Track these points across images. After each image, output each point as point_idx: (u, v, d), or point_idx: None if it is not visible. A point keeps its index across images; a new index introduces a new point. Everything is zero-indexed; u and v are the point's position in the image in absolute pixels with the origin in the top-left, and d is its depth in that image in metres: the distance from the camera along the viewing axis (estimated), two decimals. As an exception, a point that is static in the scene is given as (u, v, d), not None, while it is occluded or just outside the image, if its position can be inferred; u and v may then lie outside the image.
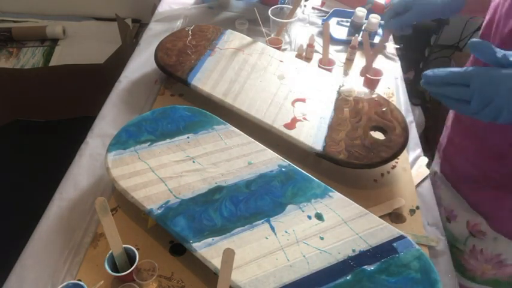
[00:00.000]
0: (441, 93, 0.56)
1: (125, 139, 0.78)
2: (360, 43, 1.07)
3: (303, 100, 0.88)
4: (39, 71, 1.76)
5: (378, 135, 0.82)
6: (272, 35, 1.11)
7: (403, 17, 0.80)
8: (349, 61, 1.10)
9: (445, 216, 0.88)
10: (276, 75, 0.94)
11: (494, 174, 0.76)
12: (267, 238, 0.65)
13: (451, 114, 0.88)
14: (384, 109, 0.86)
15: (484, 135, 0.75)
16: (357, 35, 1.08)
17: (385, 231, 0.66)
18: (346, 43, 1.16)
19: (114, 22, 1.85)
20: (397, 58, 1.14)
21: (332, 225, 0.67)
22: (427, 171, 0.85)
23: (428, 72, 0.57)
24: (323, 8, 1.31)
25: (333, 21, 1.25)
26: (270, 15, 1.09)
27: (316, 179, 0.73)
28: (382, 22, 1.19)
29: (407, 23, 0.81)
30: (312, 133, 0.81)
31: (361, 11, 1.14)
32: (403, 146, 0.80)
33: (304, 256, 0.63)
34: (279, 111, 0.86)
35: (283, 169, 0.74)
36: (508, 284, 0.87)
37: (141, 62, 1.08)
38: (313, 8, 1.31)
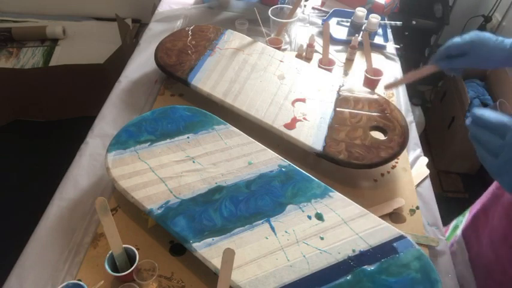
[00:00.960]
0: (477, 136, 0.51)
1: (124, 139, 0.78)
2: (360, 43, 1.07)
3: (303, 100, 0.88)
4: (39, 71, 1.76)
5: (378, 135, 0.82)
6: (272, 35, 1.11)
7: (455, 62, 0.72)
8: (349, 61, 1.10)
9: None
10: (276, 75, 0.94)
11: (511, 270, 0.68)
12: (267, 238, 0.65)
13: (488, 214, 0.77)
14: (384, 109, 0.86)
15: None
16: (356, 35, 1.08)
17: (385, 231, 0.66)
18: (346, 43, 1.16)
19: (114, 22, 1.85)
20: (397, 58, 1.14)
21: (332, 225, 0.67)
22: (427, 171, 0.85)
23: (478, 111, 0.51)
24: (323, 8, 1.31)
25: (333, 21, 1.25)
26: (270, 15, 1.09)
27: (316, 179, 0.73)
28: (383, 22, 1.19)
29: (460, 67, 0.73)
30: (312, 133, 0.81)
31: (361, 11, 1.14)
32: (403, 146, 0.80)
33: (304, 256, 0.63)
34: (279, 111, 0.86)
35: (283, 169, 0.74)
36: None
37: (141, 62, 1.08)
38: (313, 8, 1.31)
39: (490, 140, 0.50)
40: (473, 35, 0.70)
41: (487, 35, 0.69)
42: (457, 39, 0.72)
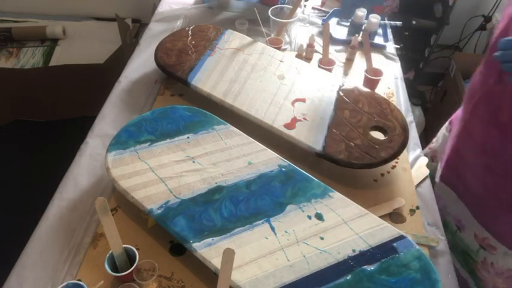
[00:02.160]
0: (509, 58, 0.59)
1: (124, 139, 0.78)
2: (360, 43, 1.07)
3: (303, 100, 0.88)
4: (39, 71, 1.76)
5: (378, 135, 0.82)
6: (272, 35, 1.11)
7: None
8: (349, 61, 1.10)
9: (455, 224, 0.87)
10: (276, 75, 0.94)
11: (504, 195, 0.74)
12: (267, 238, 0.65)
13: (457, 124, 0.85)
14: (383, 109, 0.86)
15: (495, 152, 0.72)
16: (356, 35, 1.08)
17: (385, 231, 0.66)
18: (346, 43, 1.16)
19: (114, 22, 1.85)
20: (397, 58, 1.14)
21: (332, 225, 0.67)
22: (427, 171, 0.85)
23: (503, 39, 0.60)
24: (323, 8, 1.31)
25: (333, 21, 1.25)
26: (270, 15, 1.09)
27: (316, 179, 0.73)
28: (383, 22, 1.19)
29: None
30: (312, 133, 0.81)
31: (361, 11, 1.14)
32: (403, 146, 0.80)
33: (304, 256, 0.63)
34: (279, 111, 0.86)
35: (283, 169, 0.74)
36: None
37: (141, 62, 1.08)
38: (313, 8, 1.31)
39: None
40: None
41: None
42: None
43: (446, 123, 0.97)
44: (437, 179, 0.91)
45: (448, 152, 0.87)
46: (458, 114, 0.89)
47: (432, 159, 0.99)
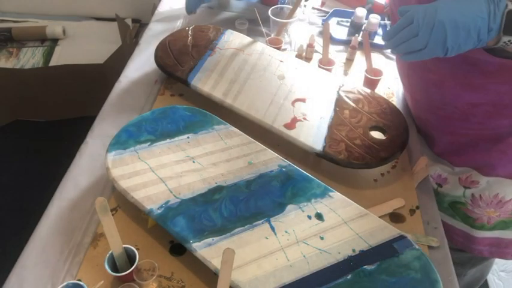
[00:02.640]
0: (397, 46, 0.62)
1: (124, 139, 0.78)
2: (360, 43, 1.07)
3: (303, 100, 0.88)
4: (39, 71, 1.76)
5: (378, 135, 0.82)
6: (272, 35, 1.11)
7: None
8: (349, 61, 1.10)
9: (435, 183, 0.92)
10: (276, 75, 0.94)
11: (467, 131, 0.82)
12: (267, 238, 0.65)
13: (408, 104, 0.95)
14: (383, 109, 0.86)
15: (444, 101, 0.81)
16: (356, 35, 1.08)
17: (385, 231, 0.66)
18: (346, 43, 1.16)
19: (114, 22, 1.85)
20: (397, 58, 1.14)
21: (332, 225, 0.67)
22: (427, 171, 0.85)
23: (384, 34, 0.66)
24: (323, 8, 1.31)
25: (333, 21, 1.25)
26: (270, 15, 1.09)
27: (316, 179, 0.73)
28: (383, 22, 1.19)
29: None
30: (312, 133, 0.81)
31: (361, 11, 1.14)
32: (403, 146, 0.80)
33: (304, 256, 0.63)
34: (279, 111, 0.86)
35: (283, 169, 0.74)
36: None
37: (141, 62, 1.08)
38: (313, 8, 1.30)
39: (406, 32, 0.60)
40: None
41: None
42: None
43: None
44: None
45: (415, 123, 0.95)
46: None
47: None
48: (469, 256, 0.97)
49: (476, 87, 0.75)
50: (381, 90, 1.00)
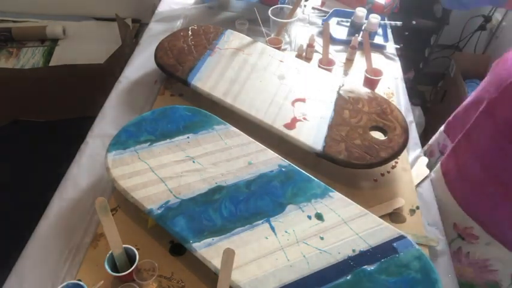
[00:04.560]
0: None
1: (124, 139, 0.78)
2: (360, 43, 1.07)
3: (303, 100, 0.88)
4: (39, 71, 1.76)
5: (378, 135, 0.82)
6: (272, 35, 1.11)
7: None
8: (349, 61, 1.10)
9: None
10: (276, 75, 0.94)
11: (509, 179, 0.74)
12: (267, 238, 0.65)
13: (478, 106, 0.82)
14: (384, 109, 0.86)
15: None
16: (356, 35, 1.08)
17: (385, 231, 0.66)
18: (346, 43, 1.16)
19: (114, 22, 1.85)
20: (397, 58, 1.14)
21: (332, 225, 0.67)
22: (427, 171, 0.85)
23: None
24: (323, 8, 1.31)
25: (333, 21, 1.25)
26: (270, 15, 1.09)
27: (316, 179, 0.73)
28: (383, 22, 1.19)
29: None
30: (312, 133, 0.81)
31: (361, 11, 1.14)
32: (403, 146, 0.80)
33: (304, 256, 0.63)
34: (279, 111, 0.86)
35: (283, 169, 0.74)
36: None
37: (141, 62, 1.08)
38: (313, 8, 1.31)
39: None
40: None
41: None
42: None
43: (442, 127, 0.98)
44: (433, 173, 0.91)
45: (458, 138, 0.86)
46: (456, 114, 0.90)
47: (430, 154, 1.01)
48: None
49: None
50: (381, 90, 1.00)
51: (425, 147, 1.03)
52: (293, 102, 0.88)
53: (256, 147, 0.78)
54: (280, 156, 0.76)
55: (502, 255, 0.80)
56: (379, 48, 1.16)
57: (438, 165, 0.91)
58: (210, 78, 0.93)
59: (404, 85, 1.06)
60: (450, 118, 0.95)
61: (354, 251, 0.64)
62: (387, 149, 0.78)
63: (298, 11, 1.13)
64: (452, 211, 0.84)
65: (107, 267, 0.61)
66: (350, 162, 0.77)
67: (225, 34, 1.05)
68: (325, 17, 1.26)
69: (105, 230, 0.61)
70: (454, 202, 0.84)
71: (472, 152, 0.81)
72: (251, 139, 0.79)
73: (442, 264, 0.72)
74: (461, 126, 0.87)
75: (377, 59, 1.11)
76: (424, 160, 0.87)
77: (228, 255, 0.54)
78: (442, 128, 0.99)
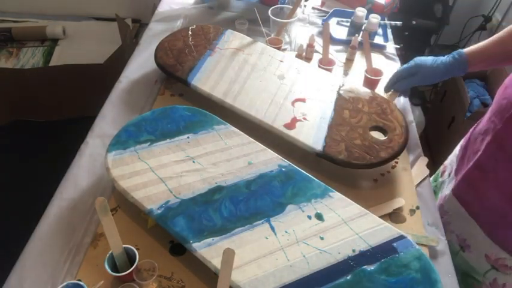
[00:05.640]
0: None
1: (124, 139, 0.78)
2: (360, 43, 1.07)
3: (303, 100, 0.88)
4: (39, 71, 1.76)
5: (378, 135, 0.82)
6: (272, 35, 1.11)
7: (408, 81, 0.88)
8: (349, 61, 1.10)
9: (458, 244, 0.86)
10: (276, 75, 0.94)
11: None
12: (267, 238, 0.65)
13: (480, 139, 0.82)
14: (384, 109, 0.86)
15: None
16: (356, 35, 1.08)
17: (385, 231, 0.66)
18: (346, 43, 1.16)
19: (114, 22, 1.85)
20: (397, 58, 1.14)
21: (332, 225, 0.67)
22: (427, 171, 0.85)
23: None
24: (323, 8, 1.31)
25: (333, 21, 1.25)
26: (270, 15, 1.09)
27: (316, 179, 0.73)
28: (383, 22, 1.19)
29: (411, 85, 0.90)
30: (312, 133, 0.81)
31: (361, 11, 1.14)
32: (403, 146, 0.80)
33: (304, 256, 0.63)
34: (279, 111, 0.86)
35: (283, 169, 0.74)
36: None
37: (141, 62, 1.08)
38: (313, 8, 1.31)
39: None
40: (416, 59, 0.88)
41: (426, 58, 0.87)
42: (404, 66, 0.90)
43: (458, 146, 0.95)
44: (447, 191, 0.90)
45: (469, 167, 0.83)
46: (474, 132, 0.87)
47: (441, 174, 0.98)
48: None
49: None
50: (381, 90, 1.00)
51: (441, 167, 1.01)
52: (293, 102, 0.88)
53: (256, 147, 0.78)
54: (280, 156, 0.76)
55: None
56: (379, 48, 1.16)
57: (450, 191, 0.89)
58: (210, 78, 0.93)
59: (404, 85, 1.06)
60: (463, 143, 0.92)
61: (354, 251, 0.63)
62: (387, 149, 0.78)
63: (298, 11, 1.13)
64: (481, 242, 0.81)
65: (107, 267, 0.61)
66: (350, 162, 0.77)
67: (225, 34, 1.05)
68: (325, 17, 1.26)
69: (105, 230, 0.61)
70: (479, 231, 0.82)
71: (491, 183, 0.78)
72: (251, 139, 0.79)
73: (442, 264, 0.72)
74: (472, 153, 0.85)
75: (377, 59, 1.11)
76: (424, 160, 0.87)
77: (228, 255, 0.54)
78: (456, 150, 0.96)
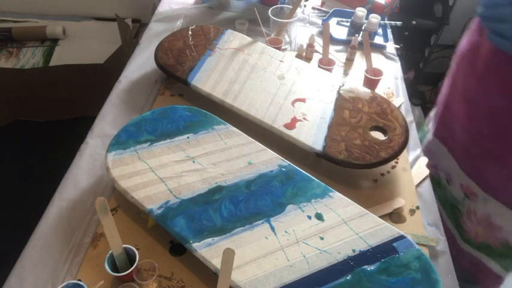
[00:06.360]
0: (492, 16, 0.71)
1: (124, 139, 0.78)
2: (360, 43, 1.07)
3: (303, 100, 0.88)
4: (39, 71, 1.76)
5: (378, 135, 0.82)
6: (272, 35, 1.11)
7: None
8: (349, 61, 1.10)
9: (445, 179, 0.96)
10: (276, 75, 0.94)
11: (485, 142, 0.82)
12: (267, 238, 0.65)
13: (448, 80, 0.94)
14: (384, 109, 0.86)
15: (474, 99, 0.82)
16: (356, 35, 1.08)
17: (385, 231, 0.66)
18: (346, 43, 1.16)
19: (114, 22, 1.85)
20: (397, 58, 1.14)
21: (332, 225, 0.67)
22: (427, 171, 0.85)
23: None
24: (323, 8, 1.31)
25: (333, 21, 1.25)
26: (270, 15, 1.09)
27: (316, 179, 0.73)
28: (383, 22, 1.19)
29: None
30: (312, 133, 0.81)
31: (361, 11, 1.14)
32: (403, 146, 0.80)
33: (304, 256, 0.63)
34: (279, 111, 0.86)
35: (283, 169, 0.74)
36: (498, 254, 0.91)
37: (141, 62, 1.08)
38: (313, 8, 1.31)
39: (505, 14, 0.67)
40: None
41: None
42: None
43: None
44: (430, 136, 1.01)
45: (440, 108, 0.96)
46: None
47: (427, 125, 1.08)
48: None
49: (509, 93, 0.74)
50: (381, 90, 1.00)
51: (427, 119, 1.11)
52: (293, 102, 0.88)
53: (256, 147, 0.78)
54: (280, 156, 0.76)
55: (500, 211, 0.85)
56: (379, 48, 1.16)
57: (432, 134, 1.01)
58: (210, 78, 0.93)
59: (404, 85, 1.06)
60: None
61: (354, 251, 0.64)
62: (387, 149, 0.78)
63: (298, 11, 1.13)
64: (457, 174, 0.91)
65: (107, 267, 0.61)
66: (350, 162, 0.77)
67: (225, 34, 1.05)
68: (325, 17, 1.26)
69: (105, 230, 0.61)
70: (456, 164, 0.91)
71: (455, 119, 0.90)
72: (251, 139, 0.79)
73: (442, 264, 0.72)
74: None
75: (377, 59, 1.11)
76: (424, 160, 0.87)
77: (228, 255, 0.54)
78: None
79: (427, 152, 0.95)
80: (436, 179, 0.97)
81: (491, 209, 0.86)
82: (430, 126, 1.04)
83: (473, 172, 0.87)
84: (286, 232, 0.66)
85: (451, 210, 0.96)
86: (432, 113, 1.06)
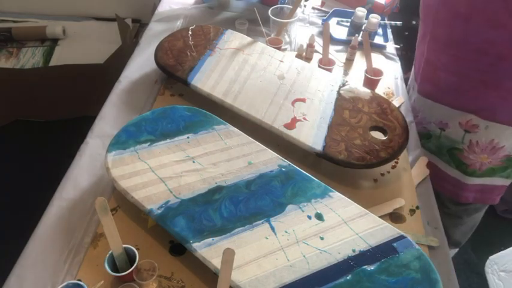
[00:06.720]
0: None
1: (124, 139, 0.78)
2: (360, 43, 1.07)
3: (303, 100, 0.88)
4: (39, 71, 1.76)
5: (378, 135, 0.82)
6: (272, 35, 1.11)
7: None
8: (349, 61, 1.10)
9: (438, 128, 0.99)
10: (276, 75, 0.94)
11: (475, 73, 0.86)
12: (267, 238, 0.65)
13: (422, 45, 0.99)
14: (384, 109, 0.86)
15: (461, 40, 0.85)
16: (356, 35, 1.08)
17: (385, 231, 0.66)
18: (346, 43, 1.16)
19: (114, 22, 1.85)
20: (397, 58, 1.14)
21: (332, 225, 0.67)
22: (427, 171, 0.85)
23: None
24: (323, 8, 1.31)
25: (333, 21, 1.25)
26: (270, 15, 1.09)
27: (316, 179, 0.73)
28: (383, 22, 1.19)
29: None
30: (312, 133, 0.81)
31: (361, 11, 1.14)
32: (403, 146, 0.80)
33: (304, 256, 0.63)
34: (279, 111, 0.86)
35: (283, 169, 0.74)
36: (501, 170, 0.98)
37: (141, 62, 1.08)
38: (313, 8, 1.31)
39: None
40: None
41: None
42: None
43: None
44: (414, 95, 1.05)
45: (419, 68, 1.01)
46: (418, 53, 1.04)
47: (408, 91, 1.12)
48: (464, 208, 1.09)
49: (499, 25, 0.78)
50: (381, 90, 1.00)
51: (406, 87, 1.14)
52: (293, 102, 0.88)
53: (256, 147, 0.78)
54: (280, 156, 0.76)
55: (501, 131, 0.90)
56: (379, 48, 1.16)
57: (416, 92, 1.05)
58: (210, 78, 0.93)
59: (404, 85, 1.06)
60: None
61: (354, 251, 0.64)
62: (387, 149, 0.78)
63: (298, 11, 1.13)
64: (452, 115, 0.95)
65: (107, 267, 0.61)
66: (350, 162, 0.77)
67: (225, 34, 1.05)
68: (325, 17, 1.26)
69: (105, 230, 0.61)
70: (448, 109, 0.95)
71: (440, 67, 0.93)
72: (251, 139, 0.79)
73: (442, 264, 0.72)
74: (420, 57, 1.02)
75: (377, 59, 1.11)
76: (424, 160, 0.87)
77: (228, 255, 0.54)
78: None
79: (413, 110, 1.01)
80: (425, 133, 1.02)
81: (493, 133, 0.91)
82: (411, 92, 1.09)
83: (469, 106, 0.91)
84: (286, 232, 0.66)
85: (449, 154, 1.00)
86: (410, 81, 1.13)
